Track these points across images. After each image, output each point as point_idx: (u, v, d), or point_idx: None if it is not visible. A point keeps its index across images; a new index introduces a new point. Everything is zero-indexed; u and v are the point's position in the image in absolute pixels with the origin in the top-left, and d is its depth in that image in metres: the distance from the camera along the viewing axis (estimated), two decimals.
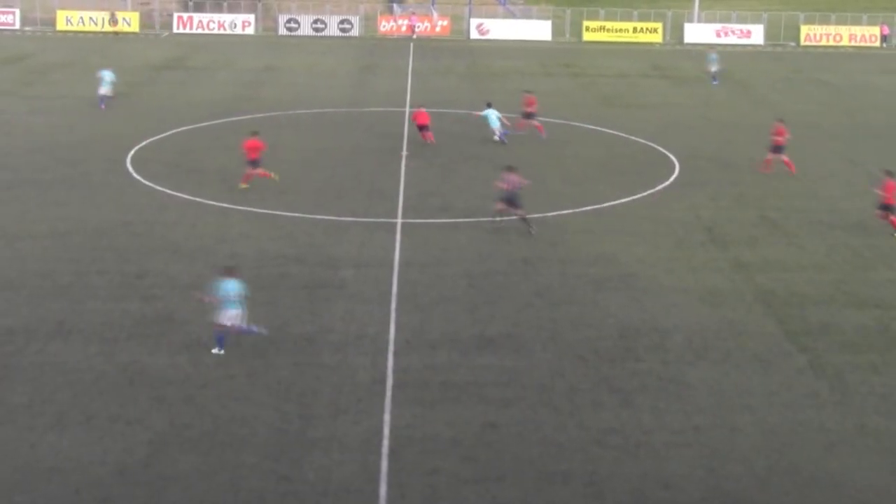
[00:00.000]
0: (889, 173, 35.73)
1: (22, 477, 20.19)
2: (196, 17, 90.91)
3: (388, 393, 23.84)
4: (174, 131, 50.37)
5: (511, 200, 35.30)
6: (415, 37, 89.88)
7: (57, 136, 48.70)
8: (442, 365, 25.40)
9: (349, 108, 56.95)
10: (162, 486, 20.03)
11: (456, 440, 21.89)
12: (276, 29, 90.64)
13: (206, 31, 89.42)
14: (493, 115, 48.38)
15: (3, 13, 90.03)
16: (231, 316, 25.42)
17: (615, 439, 22.08)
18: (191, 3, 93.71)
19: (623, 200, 39.52)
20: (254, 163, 39.85)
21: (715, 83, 68.56)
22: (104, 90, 56.01)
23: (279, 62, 74.92)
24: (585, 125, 53.72)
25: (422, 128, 48.27)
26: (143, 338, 26.57)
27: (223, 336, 25.68)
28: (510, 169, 35.56)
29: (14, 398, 23.28)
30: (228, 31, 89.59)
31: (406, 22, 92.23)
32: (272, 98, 60.19)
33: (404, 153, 46.20)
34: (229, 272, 25.91)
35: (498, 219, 35.97)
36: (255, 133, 40.86)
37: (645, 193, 40.46)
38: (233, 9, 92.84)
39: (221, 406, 23.12)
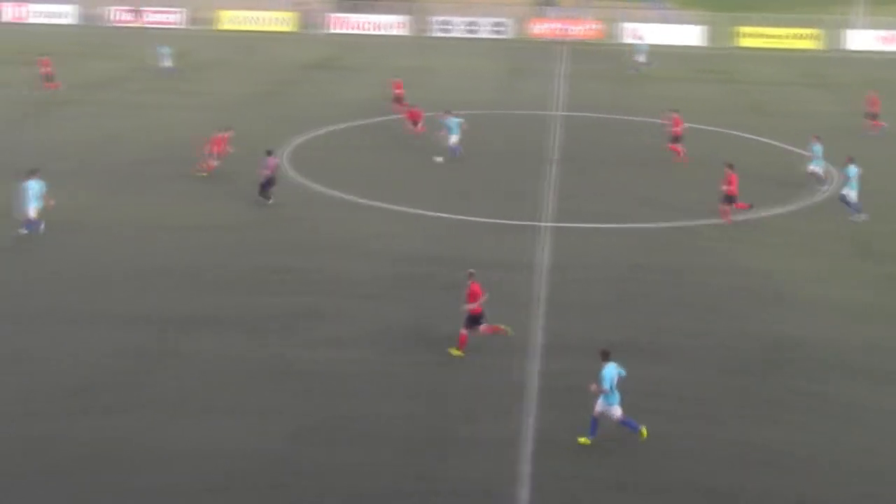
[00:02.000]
0: (730, 166, 36.89)
1: (170, 461, 20.84)
2: (351, 17, 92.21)
3: (531, 396, 23.82)
4: (326, 129, 51.20)
5: (269, 183, 37.48)
6: (567, 40, 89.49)
7: (212, 132, 49.91)
8: (585, 371, 25.20)
9: (499, 111, 57.04)
10: (303, 477, 20.42)
11: (598, 446, 21.75)
12: (429, 30, 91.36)
13: (361, 32, 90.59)
14: (455, 124, 45.30)
15: (170, 12, 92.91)
16: (33, 209, 33.33)
17: (759, 453, 21.64)
18: (346, 4, 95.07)
19: (775, 212, 38.69)
20: (212, 156, 41.57)
21: (631, 71, 71.86)
22: (167, 63, 65.33)
23: (431, 63, 75.44)
24: (738, 133, 52.73)
25: (414, 122, 49.10)
26: (289, 331, 27.12)
27: (31, 225, 33.44)
28: (269, 153, 38.03)
29: (165, 385, 24.04)
30: (383, 32, 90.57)
31: (559, 25, 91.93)
32: (423, 99, 60.47)
33: (552, 157, 46.09)
34: (32, 173, 33.81)
35: (271, 201, 37.67)
36: (228, 128, 42.69)
37: (798, 205, 39.51)
38: (387, 10, 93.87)
39: (364, 401, 23.44)
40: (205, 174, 41.19)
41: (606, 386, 21.58)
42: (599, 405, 21.73)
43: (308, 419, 22.66)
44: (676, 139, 46.06)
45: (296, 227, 35.69)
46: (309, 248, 33.52)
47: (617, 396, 21.69)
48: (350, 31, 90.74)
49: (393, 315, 28.34)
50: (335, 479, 20.46)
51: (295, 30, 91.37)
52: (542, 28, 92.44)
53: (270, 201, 37.66)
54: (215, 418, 22.60)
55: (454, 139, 44.62)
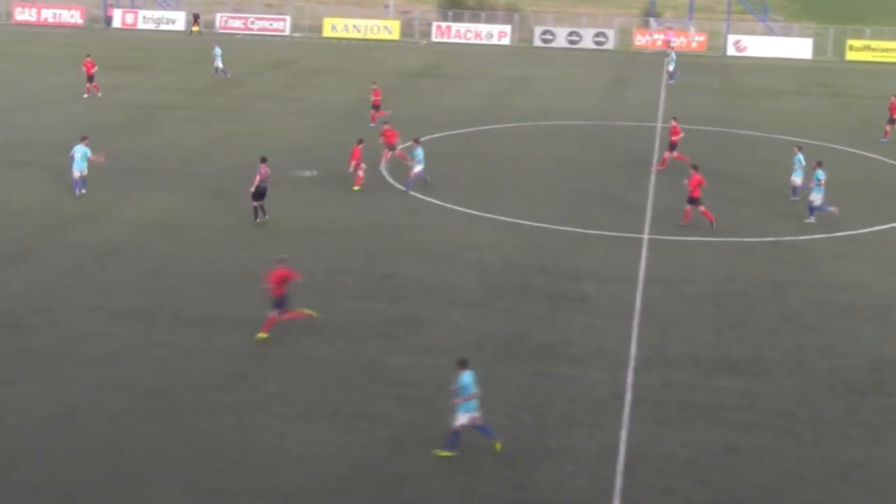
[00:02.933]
0: (694, 167, 37.43)
1: (271, 462, 21.11)
2: (454, 26, 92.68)
3: (625, 409, 23.66)
4: (427, 137, 51.38)
5: (260, 192, 36.09)
6: (670, 51, 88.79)
7: (317, 138, 50.60)
8: (681, 384, 25.03)
9: (600, 121, 56.83)
10: (398, 483, 20.53)
11: (692, 462, 21.52)
12: (531, 40, 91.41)
13: (463, 41, 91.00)
14: (420, 153, 41.24)
15: (275, 20, 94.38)
16: (77, 171, 38.59)
17: (861, 475, 21.20)
18: (450, 13, 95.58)
19: (880, 227, 37.90)
20: (356, 166, 41.19)
21: (671, 81, 71.80)
22: (218, 63, 67.78)
23: (533, 73, 75.49)
24: (842, 148, 51.76)
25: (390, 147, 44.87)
26: (387, 337, 27.31)
27: (77, 184, 38.90)
28: (263, 160, 36.30)
29: (267, 387, 24.37)
30: (485, 42, 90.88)
31: (662, 36, 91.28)
32: (524, 108, 60.71)
33: (653, 168, 45.74)
34: (82, 139, 39.27)
35: (258, 220, 36.40)
36: (360, 140, 41.77)
37: None
38: (490, 19, 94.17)
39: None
40: (357, 187, 41.16)
41: (470, 392, 21.33)
42: (461, 416, 21.48)
43: (406, 425, 22.78)
44: (672, 147, 45.95)
45: (395, 234, 35.93)
46: (408, 255, 33.72)
47: (470, 405, 21.42)
48: (452, 40, 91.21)
49: (492, 324, 28.39)
50: (432, 485, 20.54)
51: (398, 38, 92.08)
52: (646, 39, 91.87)
53: (258, 220, 36.33)
54: (315, 422, 22.83)
55: (419, 169, 41.01)
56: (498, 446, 21.70)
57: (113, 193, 39.45)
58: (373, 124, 52.47)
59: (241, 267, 32.15)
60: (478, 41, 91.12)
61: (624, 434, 22.51)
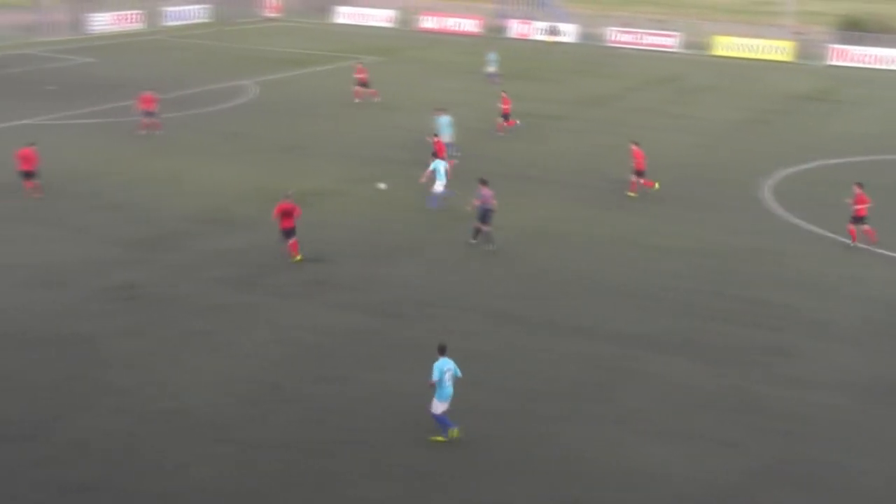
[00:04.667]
0: (860, 185, 36.51)
1: (625, 478, 21.24)
2: (853, 49, 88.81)
3: None
4: (816, 163, 49.71)
5: (483, 216, 34.44)
6: None
7: (699, 156, 50.08)
8: None
9: None
10: None
11: None
12: None
13: (862, 65, 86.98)
14: (440, 166, 38.88)
15: (665, 36, 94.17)
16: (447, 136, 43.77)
17: None
18: (849, 36, 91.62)
19: None
20: (640, 173, 41.87)
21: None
22: (491, 69, 69.12)
23: None
24: None
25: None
26: (754, 366, 26.70)
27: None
28: (484, 183, 34.78)
29: (630, 402, 24.49)
30: (885, 67, 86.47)
31: None
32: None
33: None
34: (442, 110, 45.34)
35: (474, 242, 34.88)
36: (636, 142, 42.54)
37: None
38: (893, 43, 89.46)
39: (824, 449, 22.66)
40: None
41: (435, 377, 21.36)
42: (434, 404, 21.69)
43: (764, 457, 22.21)
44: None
45: (772, 260, 35.00)
46: (783, 283, 32.78)
47: (447, 392, 21.51)
48: (851, 64, 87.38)
49: (866, 363, 27.13)
50: None
51: (791, 59, 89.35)
52: None
53: (474, 241, 34.92)
54: (672, 442, 22.69)
55: (438, 185, 38.72)
56: (441, 440, 21.87)
57: (498, 198, 40.71)
58: (501, 134, 52.82)
59: (617, 281, 32.36)
60: (878, 66, 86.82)
61: None
